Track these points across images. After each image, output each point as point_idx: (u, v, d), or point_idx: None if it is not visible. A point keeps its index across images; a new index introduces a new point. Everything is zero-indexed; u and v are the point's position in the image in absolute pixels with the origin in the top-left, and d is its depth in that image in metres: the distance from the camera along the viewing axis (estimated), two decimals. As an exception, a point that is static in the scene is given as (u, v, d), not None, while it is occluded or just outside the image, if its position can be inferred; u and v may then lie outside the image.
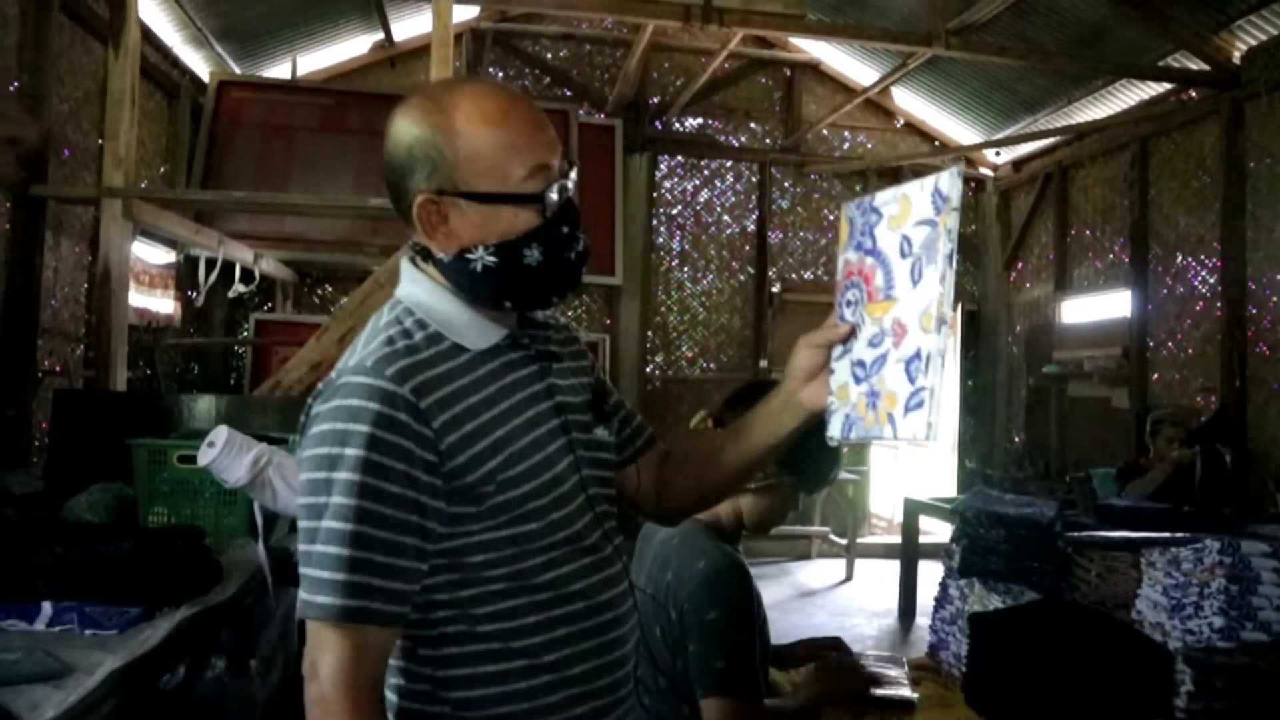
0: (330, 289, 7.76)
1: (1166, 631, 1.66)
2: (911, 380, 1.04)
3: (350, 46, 7.74)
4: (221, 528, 2.81)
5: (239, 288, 6.02)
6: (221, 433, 2.44)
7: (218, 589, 2.33)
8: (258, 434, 2.71)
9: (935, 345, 1.02)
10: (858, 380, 1.11)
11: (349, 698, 0.96)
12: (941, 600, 2.20)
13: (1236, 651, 1.49)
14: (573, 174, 1.13)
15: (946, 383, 1.04)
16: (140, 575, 2.08)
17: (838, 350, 1.15)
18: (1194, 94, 6.51)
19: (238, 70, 7.30)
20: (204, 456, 2.42)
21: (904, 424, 1.04)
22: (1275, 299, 5.82)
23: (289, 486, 2.57)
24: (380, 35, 7.64)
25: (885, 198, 1.14)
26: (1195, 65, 6.23)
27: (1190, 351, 6.49)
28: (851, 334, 1.13)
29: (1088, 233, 7.70)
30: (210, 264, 5.56)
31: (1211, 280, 6.31)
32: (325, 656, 0.97)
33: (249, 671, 2.81)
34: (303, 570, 1.00)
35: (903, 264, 1.08)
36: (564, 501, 1.11)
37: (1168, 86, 6.67)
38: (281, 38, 7.17)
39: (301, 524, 1.01)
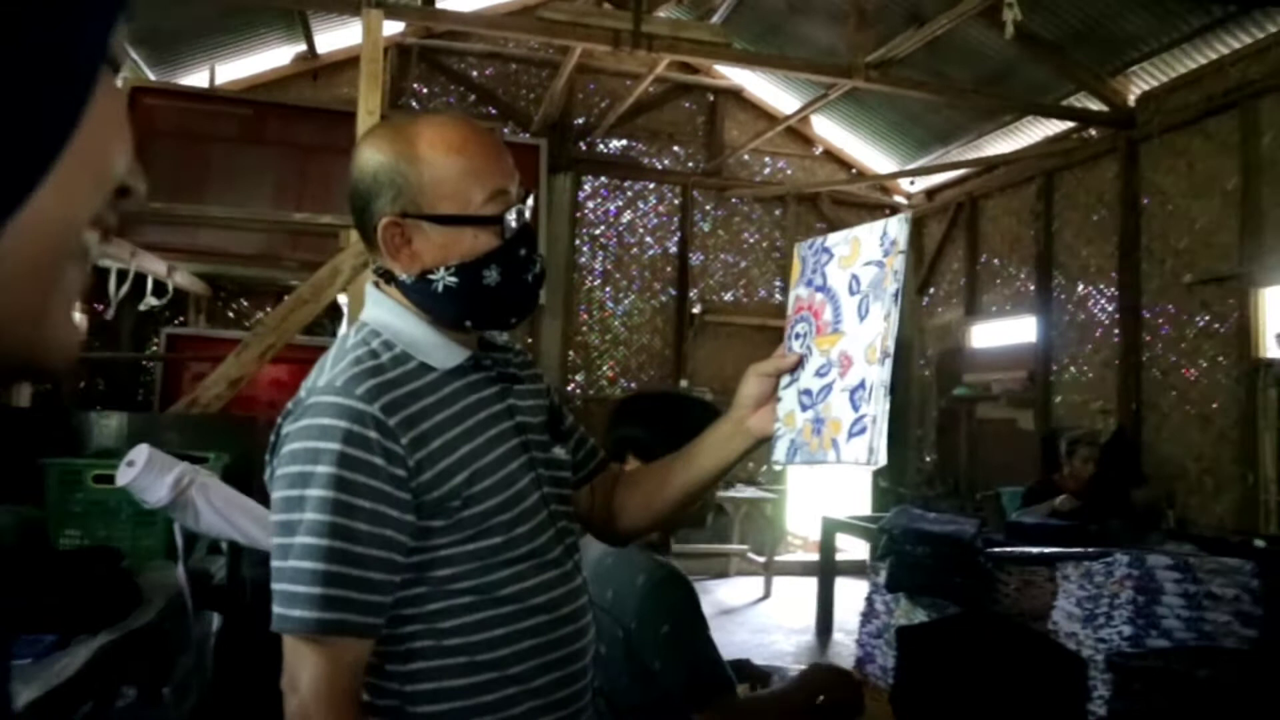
0: (246, 303, 7.57)
1: (1080, 640, 1.75)
2: (855, 408, 1.11)
3: (271, 57, 7.60)
4: (139, 549, 2.72)
5: (150, 301, 5.83)
6: (142, 451, 2.38)
7: (136, 614, 2.26)
8: (176, 452, 2.64)
9: (879, 376, 1.10)
10: (804, 408, 1.17)
11: (331, 709, 1.00)
12: (868, 615, 2.27)
13: (1151, 656, 1.59)
14: (529, 200, 1.19)
15: (886, 410, 1.10)
16: (55, 601, 2.01)
17: (785, 379, 1.22)
18: (1094, 132, 6.87)
19: (153, 77, 7.10)
20: (123, 476, 2.35)
21: (847, 448, 1.11)
22: (1167, 327, 6.15)
23: (211, 507, 2.51)
24: (303, 47, 7.52)
25: (836, 239, 1.23)
26: (1095, 105, 6.58)
27: (1090, 375, 6.81)
28: (799, 364, 1.21)
29: (996, 261, 8.01)
30: (121, 276, 5.38)
31: (1110, 308, 6.64)
32: (305, 670, 1.01)
33: (162, 700, 2.73)
34: (277, 586, 1.03)
35: (851, 300, 1.16)
36: (527, 516, 1.15)
37: (1070, 124, 7.02)
38: (200, 45, 7.00)
39: (275, 540, 1.04)
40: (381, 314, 1.17)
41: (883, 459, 1.08)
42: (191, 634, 2.86)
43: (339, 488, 1.02)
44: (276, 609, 1.02)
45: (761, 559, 7.72)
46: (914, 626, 2.04)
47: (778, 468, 1.21)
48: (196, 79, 7.34)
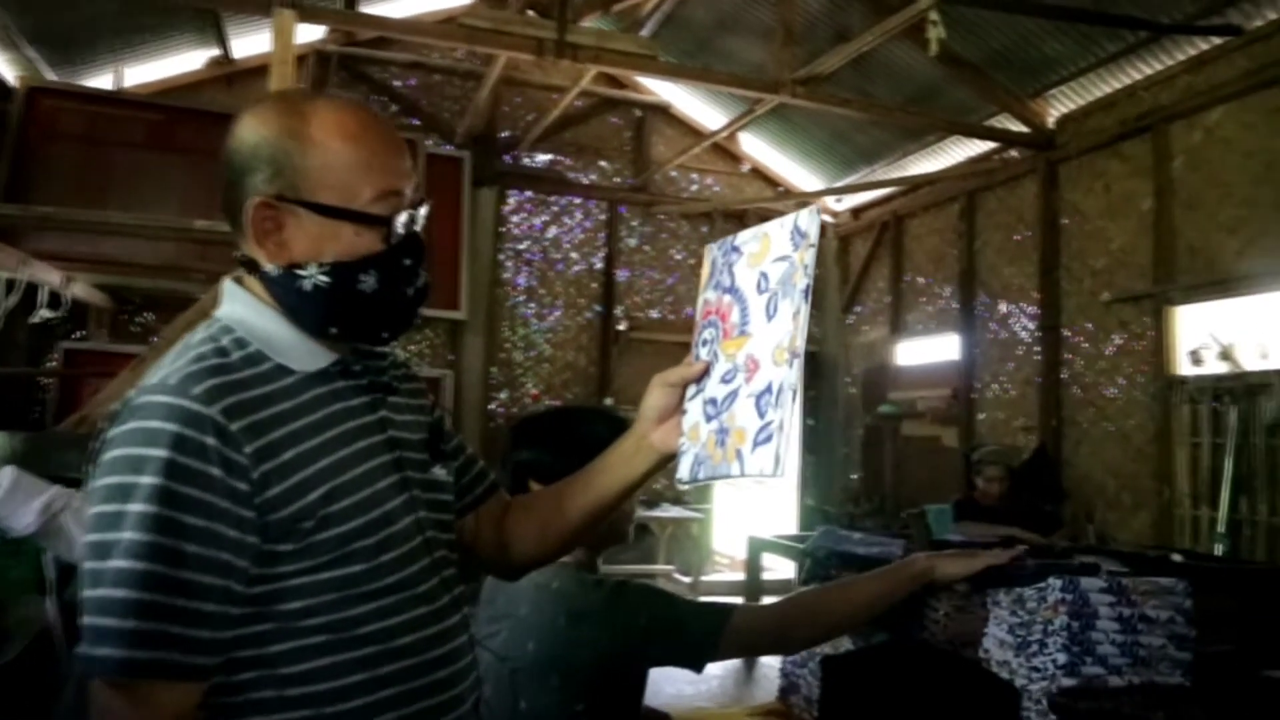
0: (152, 317, 7.22)
1: (1013, 669, 1.67)
2: (761, 415, 1.02)
3: (183, 61, 7.31)
4: (5, 581, 2.49)
5: (44, 313, 5.50)
6: (7, 474, 2.18)
7: (-5, 653, 2.05)
8: (56, 475, 2.44)
9: (787, 379, 1.01)
10: (709, 418, 1.08)
11: None
12: (792, 642, 2.17)
13: (1092, 695, 1.51)
14: (424, 209, 1.06)
15: (796, 418, 1.02)
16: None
17: (691, 390, 1.12)
18: (1015, 153, 6.99)
19: (53, 76, 6.74)
20: (-16, 501, 2.14)
21: (751, 459, 1.01)
22: (1086, 345, 6.25)
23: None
24: (217, 51, 7.25)
25: (746, 236, 1.14)
26: (1016, 127, 6.69)
27: (1013, 393, 6.89)
28: (706, 372, 1.11)
29: (920, 279, 8.09)
30: (10, 286, 5.05)
31: (1031, 326, 6.73)
32: None
33: (35, 743, 2.49)
34: (85, 620, 0.85)
35: (758, 299, 1.08)
36: (395, 543, 1.01)
37: (992, 145, 7.13)
38: (105, 46, 6.68)
39: (86, 566, 0.87)
40: (236, 309, 1.02)
41: (786, 469, 0.98)
42: (66, 675, 2.63)
43: (165, 502, 0.86)
44: (82, 649, 0.85)
45: (688, 579, 7.63)
46: (839, 655, 1.94)
47: (681, 487, 1.08)
48: (101, 81, 7.00)
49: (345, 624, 0.95)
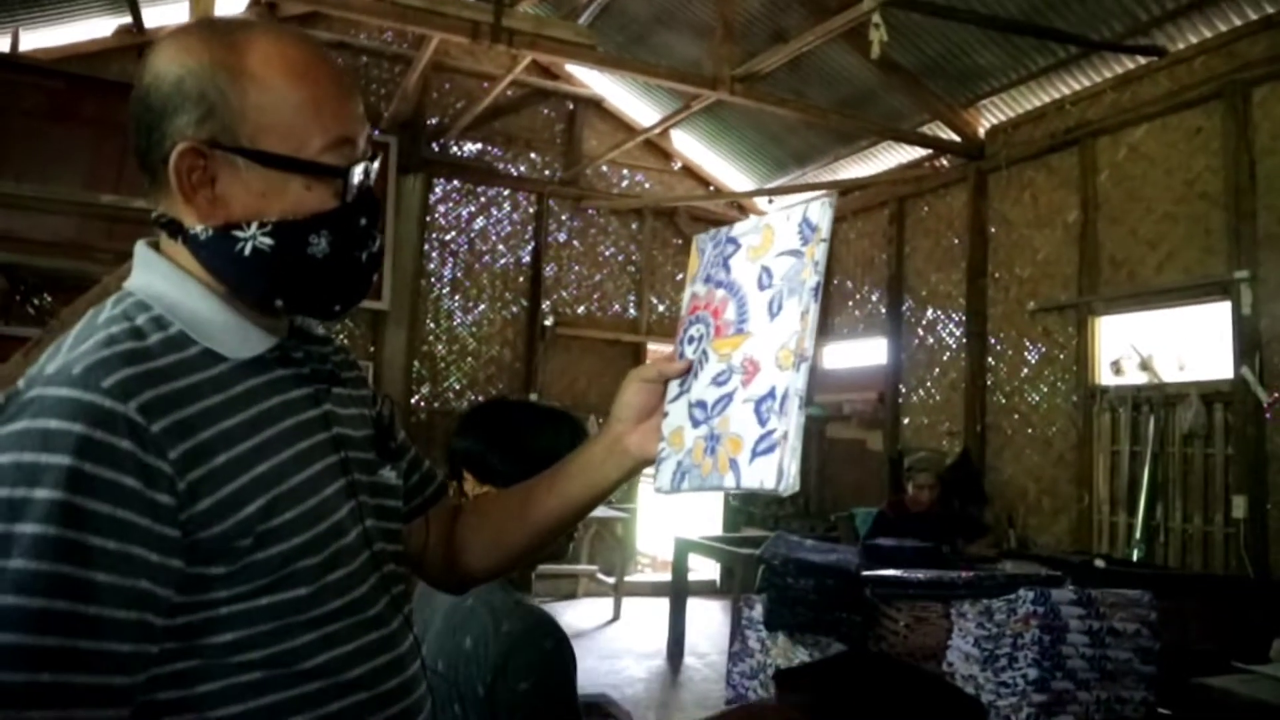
0: (50, 299, 6.78)
1: (980, 684, 1.60)
2: (762, 422, 0.92)
3: (89, 27, 6.89)
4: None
5: (-72, 289, 5.10)
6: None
7: None
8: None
9: (793, 384, 0.91)
10: (695, 423, 0.97)
11: None
12: (740, 654, 2.08)
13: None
14: (376, 163, 0.91)
15: (801, 424, 0.90)
16: None
17: (673, 390, 1.01)
18: (945, 161, 7.07)
19: (-59, 38, 6.29)
20: None
21: (750, 470, 0.90)
22: (1010, 352, 6.35)
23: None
24: (127, 19, 6.85)
25: (745, 228, 1.04)
26: (947, 135, 6.77)
27: (938, 398, 6.97)
28: (691, 371, 1.00)
29: (849, 283, 8.14)
30: (-110, 258, 4.67)
31: (957, 333, 6.82)
32: None
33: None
34: None
35: (760, 296, 0.98)
36: (343, 559, 0.85)
37: (923, 152, 7.20)
38: (0, 5, 6.25)
39: None
40: (155, 281, 0.84)
41: (795, 482, 0.88)
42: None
43: (67, 522, 0.68)
44: None
45: (611, 580, 7.52)
46: (794, 669, 1.86)
47: (661, 495, 0.95)
48: (-4, 44, 6.55)
49: (286, 657, 0.80)
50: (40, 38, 6.69)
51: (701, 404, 0.98)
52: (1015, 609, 1.59)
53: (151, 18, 6.91)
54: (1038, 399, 6.10)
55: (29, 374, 0.76)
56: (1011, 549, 5.61)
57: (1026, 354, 6.22)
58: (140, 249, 0.88)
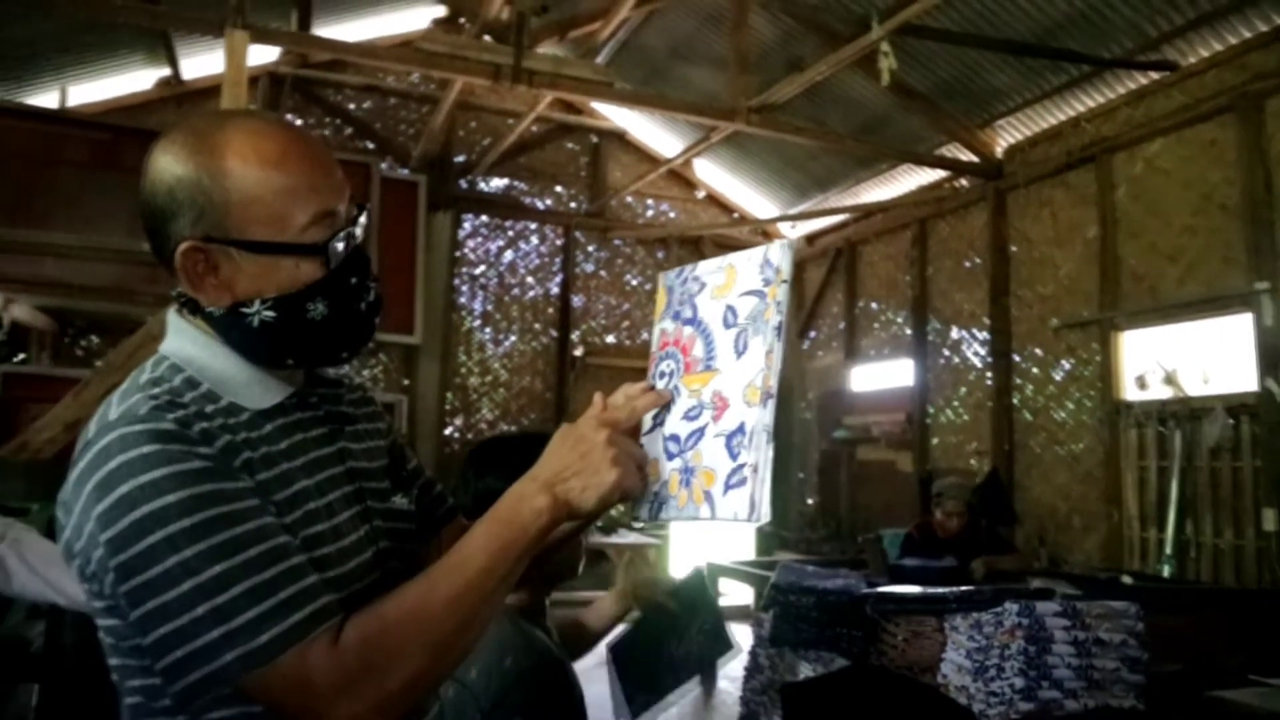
0: (96, 340, 7.05)
1: (971, 694, 1.67)
2: (733, 456, 0.96)
3: (131, 80, 7.19)
4: (-64, 616, 2.39)
5: (-18, 336, 5.34)
6: (-59, 503, 2.09)
7: (-76, 691, 1.96)
8: (-9, 504, 2.35)
9: (760, 420, 0.96)
10: (670, 456, 1.02)
11: (354, 673, 0.84)
12: (752, 670, 2.16)
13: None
14: (362, 218, 1.02)
15: (770, 458, 0.96)
16: None
17: (647, 423, 1.06)
18: (965, 182, 7.12)
19: (-6, 95, 6.60)
20: (-84, 531, 2.06)
21: (724, 502, 0.96)
22: (1035, 370, 6.36)
23: (27, 566, 2.23)
24: (167, 71, 7.14)
25: (708, 267, 1.09)
26: (965, 156, 6.83)
27: (965, 418, 6.98)
28: (667, 403, 1.05)
29: (874, 305, 8.19)
30: (-53, 308, 4.91)
31: (982, 352, 6.84)
32: (316, 677, 0.83)
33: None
34: (200, 642, 0.82)
35: (726, 334, 1.03)
36: (355, 578, 0.96)
37: (943, 174, 7.26)
38: (50, 63, 6.55)
39: (152, 605, 0.82)
40: (185, 346, 0.98)
41: (766, 514, 0.93)
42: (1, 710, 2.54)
43: (205, 505, 0.84)
44: (223, 657, 0.81)
45: (645, 605, 7.56)
46: (798, 683, 1.93)
47: (638, 525, 1.02)
48: (45, 99, 6.86)
49: None
50: (85, 92, 7.00)
51: (675, 437, 1.02)
52: (1002, 621, 1.66)
53: (189, 69, 7.20)
54: (1064, 416, 6.10)
55: (96, 425, 0.90)
56: (1043, 567, 5.59)
57: (1051, 371, 6.23)
58: (172, 317, 1.01)
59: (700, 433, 1.00)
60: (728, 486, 0.96)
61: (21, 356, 6.66)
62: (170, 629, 0.82)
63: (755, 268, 1.02)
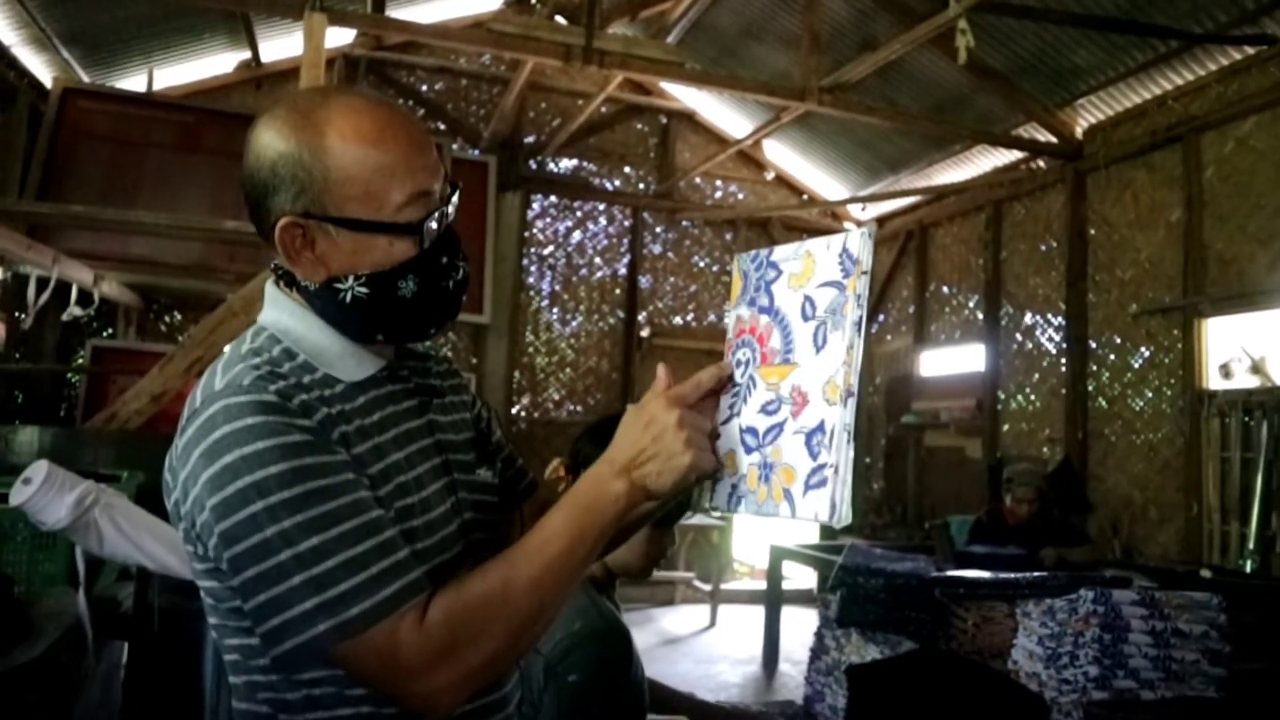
0: (179, 316, 7.30)
1: (1043, 681, 1.65)
2: (813, 455, 0.95)
3: (214, 63, 7.38)
4: (36, 575, 2.52)
5: (74, 310, 5.55)
6: (40, 468, 2.19)
7: (24, 646, 2.07)
8: (87, 471, 2.46)
9: (841, 418, 0.94)
10: (749, 449, 1.01)
11: (442, 645, 0.88)
12: (817, 651, 2.16)
13: (1126, 707, 1.49)
14: (454, 199, 1.05)
15: (851, 459, 0.94)
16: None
17: (724, 411, 1.05)
18: (1042, 163, 6.93)
19: (86, 78, 6.83)
20: (18, 495, 2.16)
21: (804, 503, 0.95)
22: (1112, 356, 6.19)
23: (117, 529, 2.32)
24: (247, 54, 7.32)
25: (785, 253, 1.07)
26: (1043, 136, 6.65)
27: (1038, 405, 6.83)
28: (733, 383, 1.05)
29: (945, 289, 8.05)
30: (42, 283, 5.11)
31: (1057, 338, 6.68)
32: (401, 652, 0.86)
33: (62, 735, 2.51)
34: (294, 611, 0.86)
35: (805, 327, 1.00)
36: (445, 546, 1.00)
37: (1019, 155, 7.08)
38: (137, 48, 6.76)
39: (252, 572, 0.87)
40: (283, 318, 1.02)
41: (848, 515, 0.92)
42: (93, 666, 2.66)
43: (297, 480, 0.87)
44: (316, 628, 0.85)
45: (707, 587, 7.60)
46: (865, 665, 1.93)
47: (714, 515, 1.04)
48: (133, 83, 7.08)
49: None
50: (171, 75, 7.21)
51: (753, 430, 1.01)
52: (1076, 608, 1.63)
53: (268, 52, 7.36)
54: (1142, 404, 5.93)
55: (202, 395, 0.95)
56: (1116, 558, 5.47)
57: (1129, 358, 6.05)
58: (269, 289, 1.05)
59: (779, 428, 0.99)
60: (808, 487, 0.95)
61: (110, 331, 6.92)
62: (267, 597, 0.86)
63: (834, 258, 1.00)
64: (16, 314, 5.77)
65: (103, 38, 6.47)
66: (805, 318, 1.01)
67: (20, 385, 6.36)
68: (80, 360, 6.60)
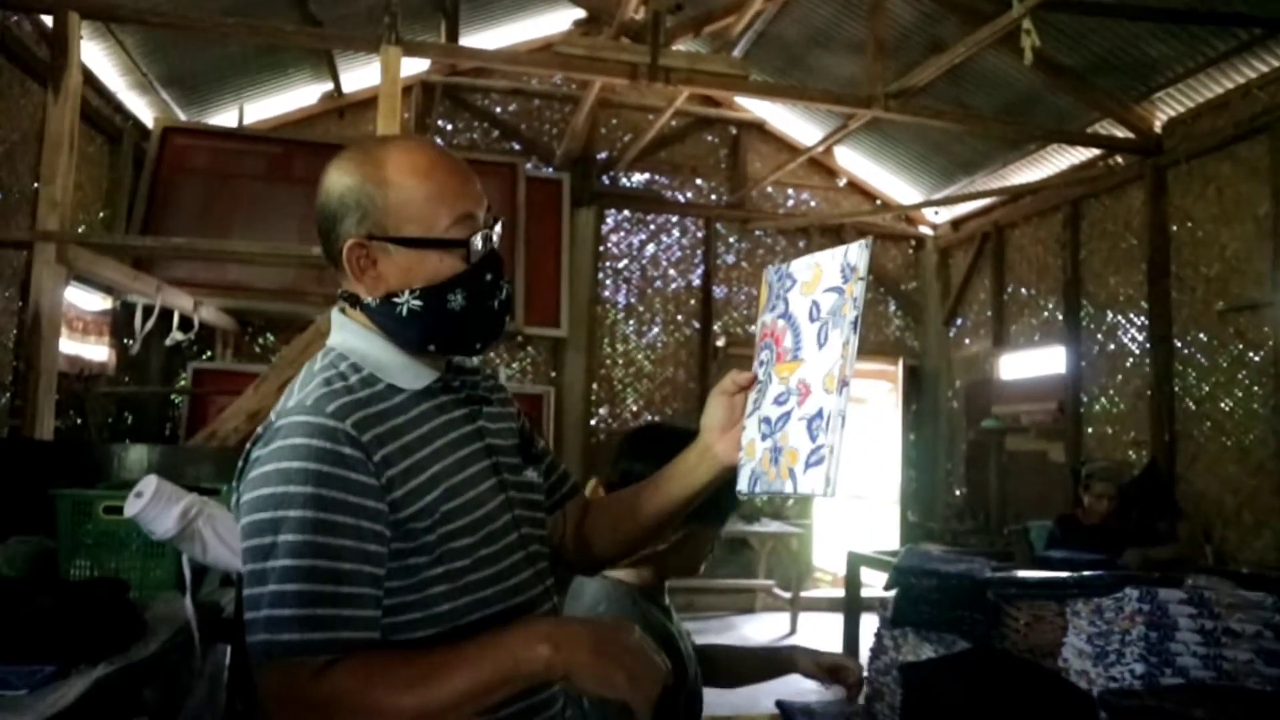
0: (272, 338, 7.65)
1: (1091, 679, 1.68)
2: (813, 438, 1.09)
3: (299, 96, 7.75)
4: (148, 581, 2.72)
5: (176, 335, 5.91)
6: (150, 482, 2.38)
7: (139, 645, 2.25)
8: (190, 485, 2.65)
9: (836, 406, 1.07)
10: (764, 436, 1.16)
11: (358, 686, 0.96)
12: (877, 651, 2.21)
13: (1147, 694, 1.52)
14: (497, 227, 1.19)
15: (849, 440, 1.08)
16: (54, 631, 2.00)
17: (749, 406, 1.19)
18: (1120, 160, 6.79)
19: (183, 117, 7.25)
20: (131, 507, 2.35)
21: (804, 479, 1.08)
22: (1200, 356, 6.02)
23: (219, 539, 2.50)
24: (330, 86, 7.66)
25: (800, 265, 1.21)
26: (1121, 132, 6.51)
27: (1122, 407, 6.67)
28: (755, 384, 1.19)
29: (1023, 290, 7.92)
30: (147, 311, 5.46)
31: (1140, 337, 6.52)
32: (286, 694, 0.96)
33: (173, 731, 2.71)
34: (253, 614, 0.99)
35: (810, 327, 1.15)
36: (493, 539, 1.13)
37: (1096, 152, 6.94)
38: (229, 86, 7.15)
39: (248, 568, 1.01)
40: (347, 338, 1.17)
41: (837, 489, 1.06)
42: (200, 666, 2.85)
43: (317, 507, 1.00)
44: (256, 637, 0.97)
45: (787, 594, 7.61)
46: (919, 663, 1.98)
47: (742, 498, 1.17)
48: (225, 118, 7.48)
49: (449, 616, 1.08)
50: (260, 109, 7.60)
51: (768, 420, 1.16)
52: (1122, 607, 1.66)
53: (349, 82, 7.69)
54: (1231, 405, 5.75)
55: (278, 409, 1.10)
56: (1208, 564, 5.31)
57: (1217, 357, 5.88)
58: (336, 315, 1.21)
59: (787, 416, 1.13)
60: (808, 465, 1.08)
61: (209, 354, 7.31)
62: (248, 592, 1.00)
63: (837, 266, 1.15)
64: (125, 340, 6.16)
65: (198, 78, 6.87)
66: (811, 319, 1.15)
67: (130, 407, 6.76)
68: (183, 382, 6.98)
